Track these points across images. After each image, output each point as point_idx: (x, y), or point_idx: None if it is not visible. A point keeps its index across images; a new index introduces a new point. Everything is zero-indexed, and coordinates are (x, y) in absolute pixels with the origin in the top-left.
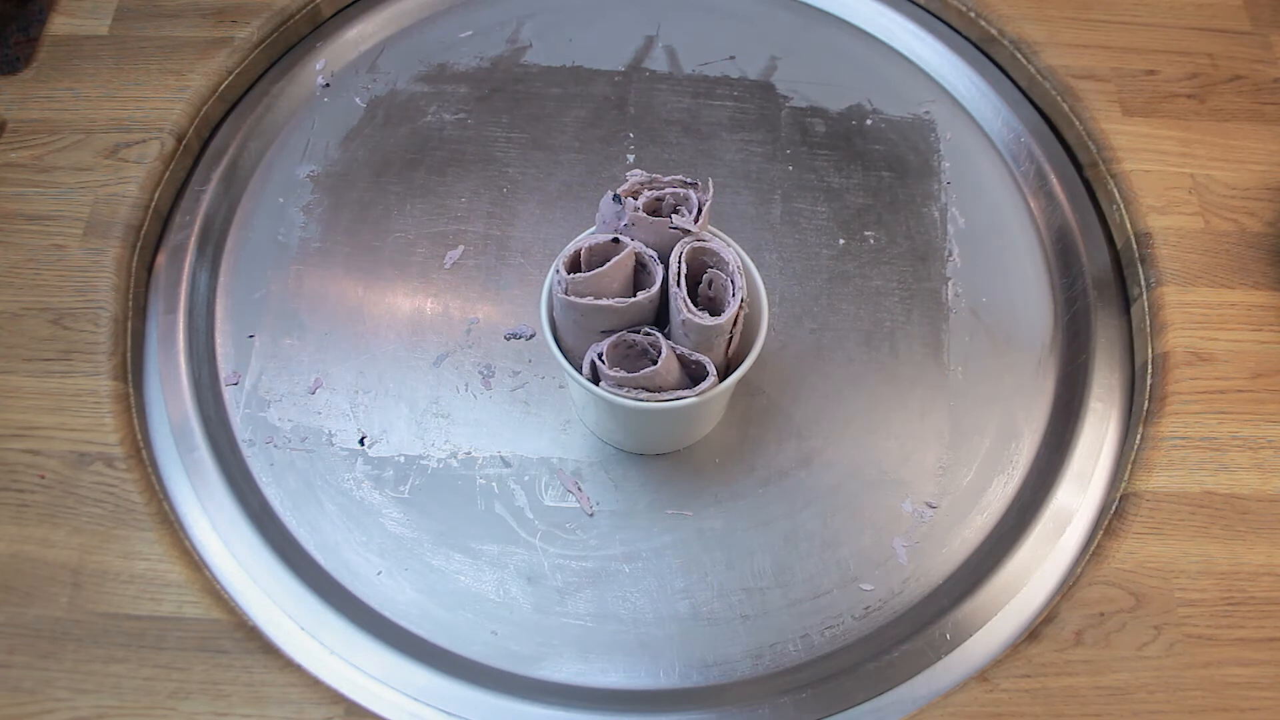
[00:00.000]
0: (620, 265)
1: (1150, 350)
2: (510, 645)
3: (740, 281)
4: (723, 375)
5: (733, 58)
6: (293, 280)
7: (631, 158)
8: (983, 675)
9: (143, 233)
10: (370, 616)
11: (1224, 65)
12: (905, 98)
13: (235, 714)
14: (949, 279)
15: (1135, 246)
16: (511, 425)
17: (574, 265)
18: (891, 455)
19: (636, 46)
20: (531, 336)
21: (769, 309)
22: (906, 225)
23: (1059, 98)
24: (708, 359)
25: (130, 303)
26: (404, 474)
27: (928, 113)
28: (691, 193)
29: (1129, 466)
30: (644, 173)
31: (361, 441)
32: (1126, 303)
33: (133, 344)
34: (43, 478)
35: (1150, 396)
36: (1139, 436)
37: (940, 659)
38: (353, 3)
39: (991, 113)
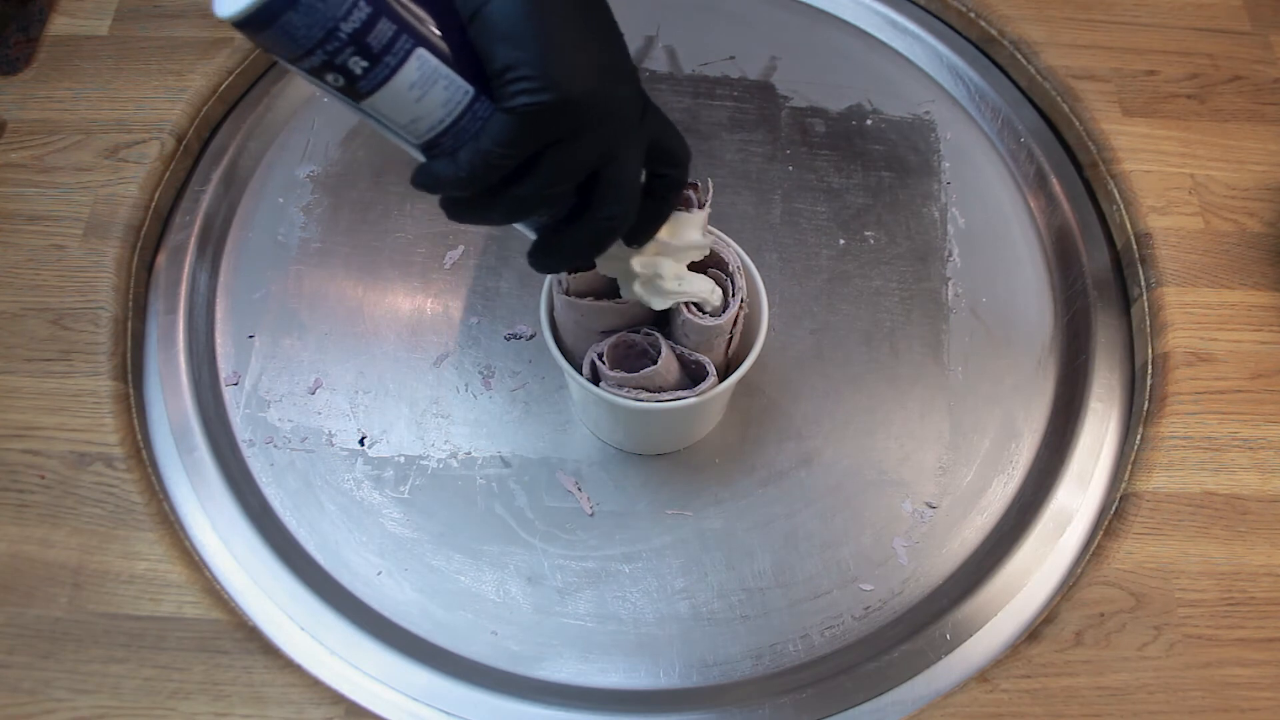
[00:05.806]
0: None
1: (1150, 350)
2: (510, 645)
3: (740, 281)
4: (723, 375)
5: (733, 58)
6: (293, 280)
7: None
8: (983, 675)
9: (143, 233)
10: (370, 616)
11: (1224, 65)
12: (905, 98)
13: (235, 714)
14: (949, 279)
15: (1135, 247)
16: (511, 425)
17: None
18: (891, 455)
19: (636, 46)
20: (531, 336)
21: (769, 309)
22: (906, 225)
23: (1059, 98)
24: (708, 359)
25: (130, 303)
26: (404, 474)
27: (928, 113)
28: (691, 193)
29: (1129, 466)
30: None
31: (361, 442)
32: (1126, 303)
33: (133, 344)
34: (43, 478)
35: (1150, 396)
36: (1139, 436)
37: (940, 659)
38: None
39: (991, 113)
